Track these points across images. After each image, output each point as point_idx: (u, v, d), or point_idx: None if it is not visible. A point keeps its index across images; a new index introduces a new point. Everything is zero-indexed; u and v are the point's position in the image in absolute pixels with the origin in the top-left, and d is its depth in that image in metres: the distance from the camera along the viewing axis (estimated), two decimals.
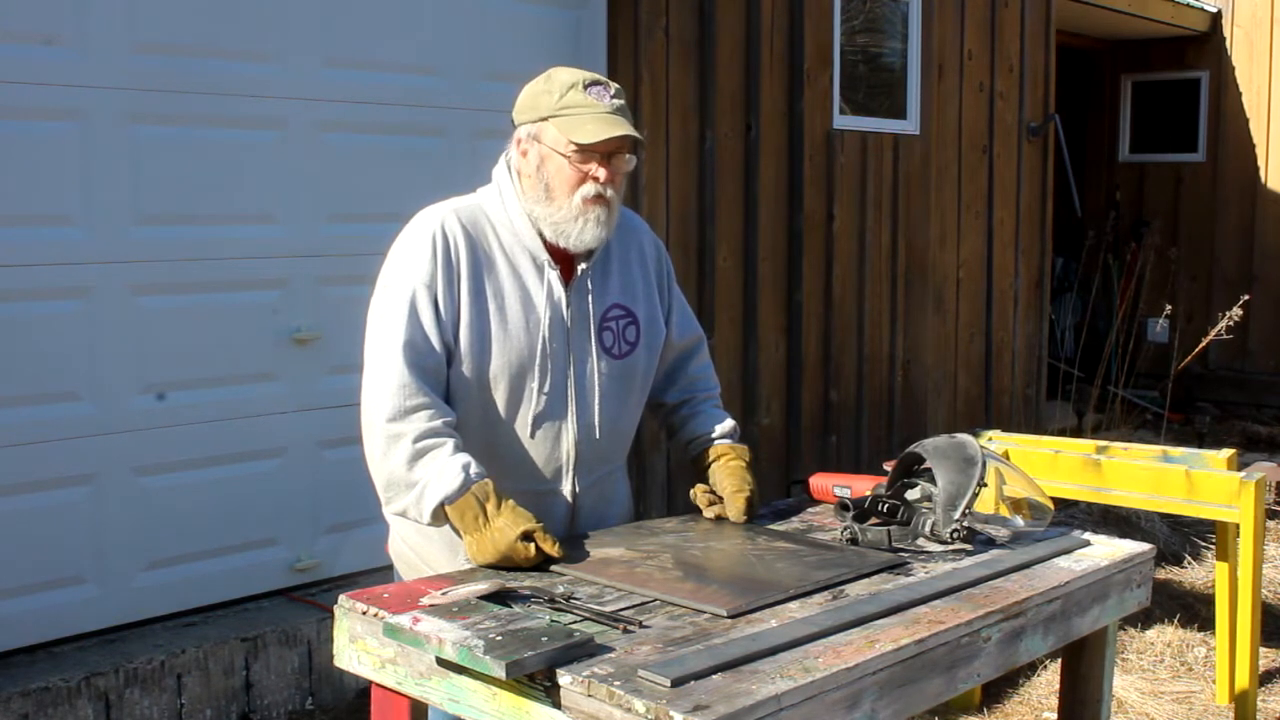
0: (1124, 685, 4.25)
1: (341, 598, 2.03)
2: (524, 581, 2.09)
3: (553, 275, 2.38)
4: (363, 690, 3.78)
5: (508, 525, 2.17)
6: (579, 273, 2.41)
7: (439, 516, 2.23)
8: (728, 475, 2.51)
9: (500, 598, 1.98)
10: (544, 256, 2.38)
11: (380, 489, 2.30)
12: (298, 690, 4.01)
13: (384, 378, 2.27)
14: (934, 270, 6.67)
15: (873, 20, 6.36)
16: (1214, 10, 9.71)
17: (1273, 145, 9.53)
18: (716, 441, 2.58)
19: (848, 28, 6.10)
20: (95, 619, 3.85)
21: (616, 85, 2.37)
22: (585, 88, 2.31)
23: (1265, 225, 9.59)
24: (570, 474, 2.41)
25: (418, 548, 2.42)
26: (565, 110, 2.30)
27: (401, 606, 1.95)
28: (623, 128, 2.29)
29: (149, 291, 3.90)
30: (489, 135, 4.69)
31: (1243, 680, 3.96)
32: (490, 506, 2.20)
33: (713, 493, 2.51)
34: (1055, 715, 2.70)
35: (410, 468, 2.23)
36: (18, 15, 3.61)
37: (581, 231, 2.34)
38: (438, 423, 2.25)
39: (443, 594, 1.97)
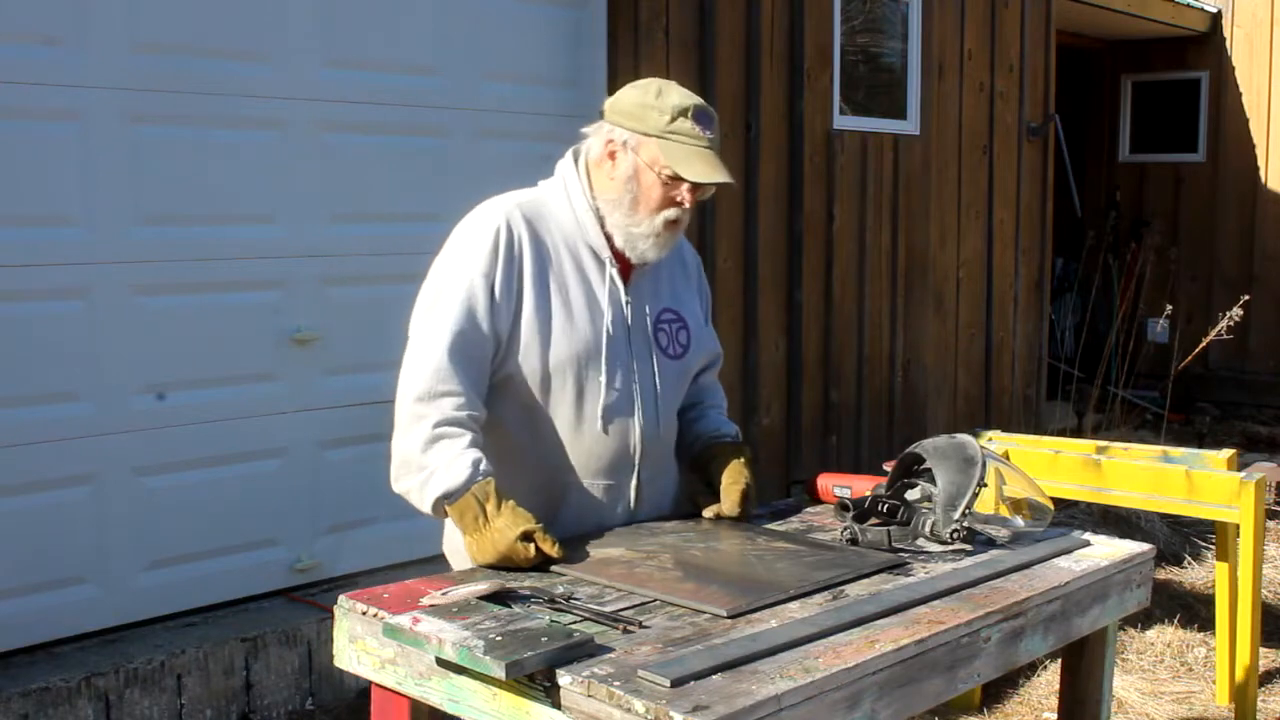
0: (1124, 685, 4.25)
1: (341, 598, 2.03)
2: (524, 581, 2.09)
3: (614, 273, 2.42)
4: (363, 690, 3.78)
5: (507, 526, 2.18)
6: (636, 273, 2.45)
7: (438, 510, 2.24)
8: (730, 472, 2.52)
9: (500, 598, 1.98)
10: (607, 254, 2.42)
11: (393, 465, 2.31)
12: (298, 690, 4.01)
13: (423, 359, 2.29)
14: (934, 270, 6.67)
15: (873, 20, 6.36)
16: (1214, 10, 9.71)
17: (1273, 145, 9.53)
18: (716, 441, 2.59)
19: (848, 28, 6.10)
20: (95, 619, 3.85)
21: (715, 115, 2.40)
22: (694, 117, 2.33)
23: (1265, 225, 9.59)
24: (636, 468, 2.43)
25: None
26: (673, 135, 2.32)
27: (401, 607, 1.95)
28: (724, 173, 2.34)
29: (149, 291, 3.90)
30: (489, 135, 4.69)
31: (1243, 680, 3.96)
32: (490, 507, 2.20)
33: (711, 492, 2.52)
34: (1055, 715, 2.70)
35: (424, 450, 2.24)
36: (18, 15, 3.61)
37: (650, 248, 2.39)
38: (462, 413, 2.26)
39: (443, 594, 1.97)
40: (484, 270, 2.32)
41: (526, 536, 2.17)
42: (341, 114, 4.30)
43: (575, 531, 2.35)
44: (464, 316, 2.30)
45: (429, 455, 2.24)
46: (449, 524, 2.47)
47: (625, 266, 2.45)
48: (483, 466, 2.23)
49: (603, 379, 2.37)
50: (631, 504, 2.46)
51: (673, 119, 2.32)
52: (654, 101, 2.35)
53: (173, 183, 3.93)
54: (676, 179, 2.33)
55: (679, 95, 2.36)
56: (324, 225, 4.30)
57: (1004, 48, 7.09)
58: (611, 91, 5.04)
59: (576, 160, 2.46)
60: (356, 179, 4.34)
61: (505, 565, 2.17)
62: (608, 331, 2.39)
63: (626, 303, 2.43)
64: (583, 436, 2.38)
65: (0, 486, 3.63)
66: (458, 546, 2.45)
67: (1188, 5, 9.51)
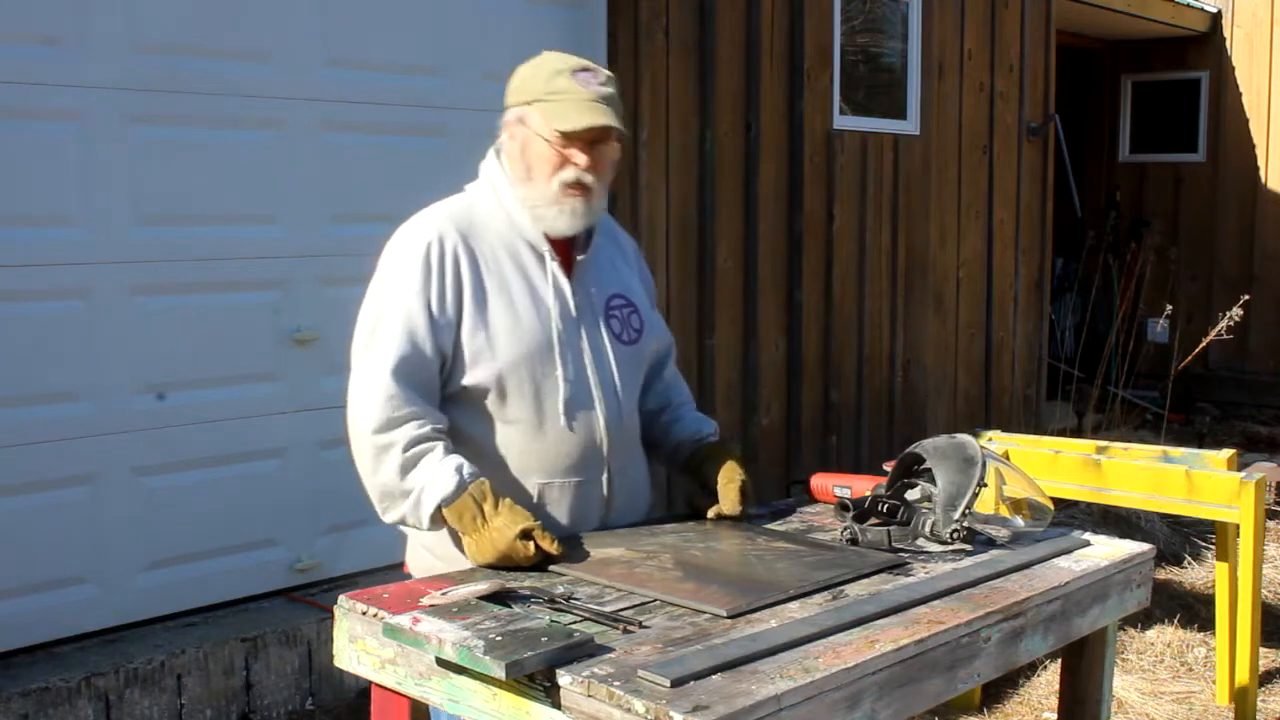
0: (1124, 685, 4.25)
1: (341, 598, 2.03)
2: (524, 581, 2.09)
3: (554, 265, 2.37)
4: (363, 690, 3.78)
5: (506, 524, 2.17)
6: (578, 263, 2.41)
7: (437, 520, 2.22)
8: (718, 470, 2.49)
9: (500, 598, 1.98)
10: (544, 247, 2.37)
11: (375, 500, 2.28)
12: (298, 690, 4.01)
13: (370, 390, 2.24)
14: (934, 270, 6.68)
15: (873, 20, 6.36)
16: (1214, 10, 9.71)
17: (1273, 145, 9.53)
18: (703, 443, 2.56)
19: (848, 28, 6.10)
20: (95, 619, 3.85)
21: (607, 73, 2.36)
22: (574, 73, 2.31)
23: (1265, 225, 9.59)
24: (606, 461, 2.38)
25: (441, 552, 2.36)
26: (552, 95, 2.29)
27: (401, 607, 1.95)
28: (605, 117, 2.28)
29: (149, 291, 3.90)
30: (489, 135, 4.67)
31: (1243, 680, 3.96)
32: (488, 506, 2.19)
33: (708, 494, 2.49)
34: (1055, 715, 2.70)
35: (403, 477, 2.21)
36: (18, 15, 3.61)
37: (557, 218, 2.34)
38: (426, 429, 2.23)
39: (443, 594, 1.97)
40: (418, 289, 2.28)
41: (526, 534, 2.15)
42: (341, 114, 4.30)
43: (554, 534, 2.32)
44: (405, 340, 2.25)
45: (411, 478, 2.21)
46: (411, 546, 2.45)
47: (567, 257, 2.40)
48: (467, 469, 2.21)
49: (559, 374, 2.32)
50: (606, 498, 2.40)
51: (550, 80, 2.30)
52: (532, 71, 2.34)
53: (173, 183, 3.93)
54: (565, 140, 2.28)
55: (558, 58, 2.35)
56: (324, 225, 4.30)
57: (1004, 48, 7.09)
58: None
59: (499, 156, 2.43)
60: (357, 179, 4.34)
61: (505, 565, 2.16)
62: (556, 326, 2.34)
63: (572, 294, 2.38)
64: (546, 436, 2.33)
65: (0, 486, 3.63)
66: (428, 564, 2.40)
67: (1188, 5, 9.51)
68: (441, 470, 2.20)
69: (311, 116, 4.23)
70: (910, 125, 6.50)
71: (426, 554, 2.40)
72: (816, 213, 5.88)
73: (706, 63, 5.32)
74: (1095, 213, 9.87)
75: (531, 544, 2.16)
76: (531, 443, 2.33)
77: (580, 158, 2.31)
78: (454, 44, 4.60)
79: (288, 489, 4.25)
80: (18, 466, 3.66)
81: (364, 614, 1.98)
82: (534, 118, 2.31)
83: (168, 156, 3.91)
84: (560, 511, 2.36)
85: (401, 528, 2.40)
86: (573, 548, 2.23)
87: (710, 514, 2.47)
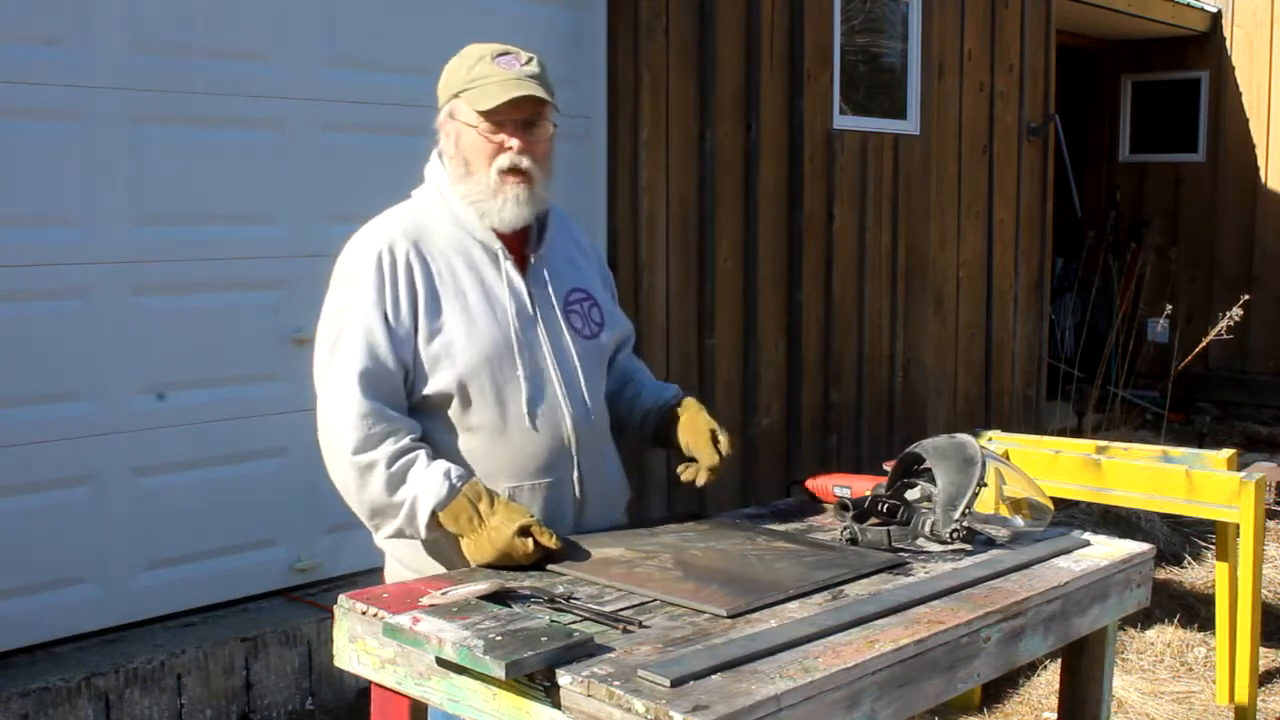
0: (1124, 685, 4.25)
1: (341, 598, 2.03)
2: (524, 581, 2.09)
3: (508, 264, 2.34)
4: (363, 690, 3.78)
5: (504, 522, 2.16)
6: (533, 260, 2.38)
7: (433, 527, 2.20)
8: (687, 427, 2.42)
9: (500, 598, 1.98)
10: (496, 245, 2.34)
11: (365, 518, 2.26)
12: (298, 690, 4.01)
13: (342, 410, 2.21)
14: (934, 270, 6.67)
15: (873, 20, 6.36)
16: (1214, 10, 9.71)
17: (1273, 145, 9.53)
18: (665, 407, 2.50)
19: (848, 28, 6.09)
20: (95, 619, 3.85)
21: (531, 54, 2.32)
22: (494, 58, 2.29)
23: (1265, 225, 9.59)
24: (575, 460, 2.35)
25: (414, 564, 2.36)
26: (474, 82, 2.28)
27: (401, 606, 1.95)
28: (525, 89, 2.25)
29: (149, 291, 3.90)
30: None
31: (1243, 680, 3.96)
32: (483, 506, 2.18)
33: (689, 461, 2.42)
34: (1055, 715, 2.70)
35: (392, 492, 2.19)
36: (18, 15, 3.61)
37: (502, 208, 2.31)
38: (405, 440, 2.21)
39: (443, 594, 1.97)
40: (374, 301, 2.24)
41: (524, 531, 2.14)
42: (341, 114, 4.30)
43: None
44: (366, 355, 2.22)
45: (401, 491, 2.19)
46: (388, 561, 2.42)
47: (520, 255, 2.37)
48: (456, 472, 2.20)
49: (520, 374, 2.29)
50: (578, 498, 2.36)
51: (471, 68, 2.28)
52: (457, 63, 2.33)
53: (173, 183, 3.93)
54: (493, 123, 2.26)
55: (479, 48, 2.33)
56: (324, 225, 4.29)
57: (1004, 48, 7.09)
58: (611, 91, 5.06)
59: (440, 159, 2.40)
60: (357, 179, 4.34)
61: (504, 563, 2.15)
62: (514, 325, 2.31)
63: (528, 291, 2.35)
64: (511, 438, 2.30)
65: (0, 486, 3.63)
66: (400, 578, 2.38)
67: (1188, 5, 9.51)
68: (430, 477, 2.18)
69: (311, 116, 4.23)
70: (910, 125, 6.50)
71: (400, 566, 2.39)
72: (816, 213, 5.88)
73: (706, 63, 5.32)
74: (1095, 213, 9.87)
75: (530, 540, 2.14)
76: (497, 446, 2.30)
77: (513, 141, 2.28)
78: (454, 44, 4.54)
79: (288, 489, 4.25)
80: (18, 466, 3.66)
81: (364, 614, 1.98)
82: (461, 108, 2.30)
83: (167, 156, 3.91)
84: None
85: (381, 544, 2.39)
86: (572, 548, 2.23)
87: (686, 475, 2.39)
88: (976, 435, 3.80)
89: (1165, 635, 4.72)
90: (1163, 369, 8.04)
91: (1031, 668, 4.29)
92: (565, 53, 4.92)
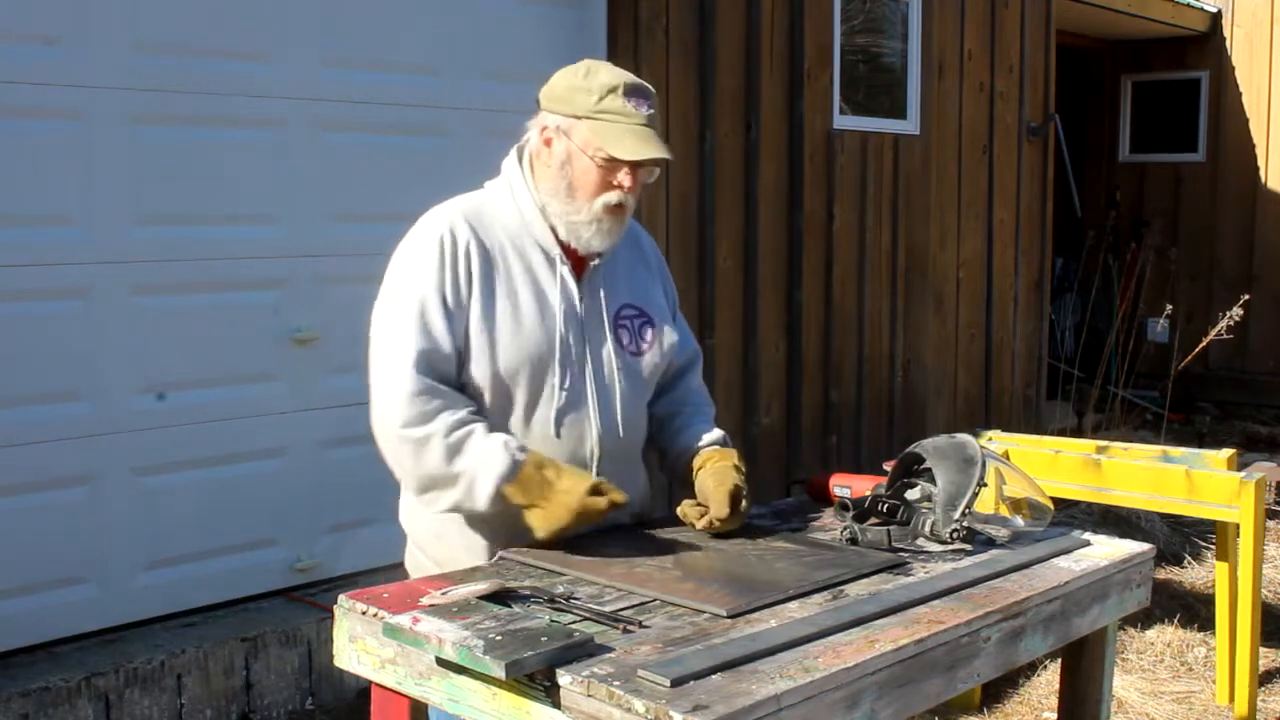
0: (1124, 685, 4.25)
1: (341, 598, 2.03)
2: (524, 581, 2.09)
3: (565, 270, 2.34)
4: (363, 690, 3.78)
5: (575, 484, 2.17)
6: (591, 269, 2.38)
7: (495, 500, 2.19)
8: (711, 476, 2.38)
9: (500, 598, 1.98)
10: (556, 251, 2.34)
11: (417, 492, 2.26)
12: (298, 690, 4.01)
13: (396, 388, 2.21)
14: (934, 270, 6.68)
15: (873, 20, 6.36)
16: (1214, 10, 9.71)
17: (1273, 145, 9.53)
18: (699, 450, 2.46)
19: (848, 28, 6.10)
20: (95, 619, 3.85)
21: (652, 90, 2.31)
22: (626, 94, 2.25)
23: (1265, 225, 9.59)
24: (593, 471, 2.34)
25: (438, 557, 2.37)
26: (603, 115, 2.24)
27: (401, 606, 1.95)
28: (658, 149, 2.26)
29: (149, 291, 3.90)
30: (489, 135, 4.68)
31: (1243, 680, 3.96)
32: (550, 473, 2.19)
33: (701, 504, 2.37)
34: (1055, 715, 2.70)
35: (449, 463, 2.19)
36: (18, 15, 3.61)
37: (594, 236, 2.31)
38: (462, 412, 2.22)
39: (443, 594, 1.97)
40: (435, 284, 2.25)
41: (594, 490, 2.16)
42: (341, 114, 4.30)
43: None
44: (423, 335, 2.23)
45: (458, 462, 2.19)
46: (410, 544, 2.43)
47: (578, 262, 2.37)
48: (514, 443, 2.20)
49: (554, 382, 2.30)
50: None
51: (601, 98, 2.25)
52: (582, 82, 2.28)
53: (173, 183, 3.93)
54: (611, 161, 2.25)
55: (608, 73, 2.29)
56: (324, 225, 4.30)
57: (1004, 48, 7.09)
58: None
59: (521, 156, 2.39)
60: (357, 179, 4.34)
61: (577, 525, 2.16)
62: (560, 331, 2.31)
63: (580, 300, 2.35)
64: (532, 441, 2.29)
65: (0, 486, 3.63)
66: (420, 564, 2.41)
67: (1188, 5, 9.51)
68: (490, 448, 2.18)
69: (311, 116, 4.23)
70: (910, 125, 6.50)
71: (420, 555, 2.40)
72: (816, 213, 5.88)
73: (706, 63, 5.32)
74: (1095, 213, 9.87)
75: (603, 499, 2.17)
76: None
77: (626, 181, 2.28)
78: (454, 44, 4.60)
79: (288, 489, 4.25)
80: (18, 466, 3.66)
81: (364, 614, 1.98)
82: (581, 133, 2.26)
83: (167, 156, 3.91)
84: None
85: (406, 525, 2.41)
86: (573, 548, 2.23)
87: (700, 525, 2.34)
88: (976, 435, 3.80)
89: (1165, 635, 4.72)
90: (1163, 369, 8.04)
91: (1031, 668, 4.29)
92: (565, 52, 4.92)
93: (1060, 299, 9.19)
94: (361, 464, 4.35)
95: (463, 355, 2.28)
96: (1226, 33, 9.71)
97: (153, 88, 3.87)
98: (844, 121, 6.04)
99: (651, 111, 2.28)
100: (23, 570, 3.69)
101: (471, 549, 2.32)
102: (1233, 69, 9.68)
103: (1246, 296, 6.71)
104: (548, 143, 2.31)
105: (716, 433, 2.52)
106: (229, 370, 4.09)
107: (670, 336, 2.50)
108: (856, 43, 6.22)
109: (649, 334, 2.45)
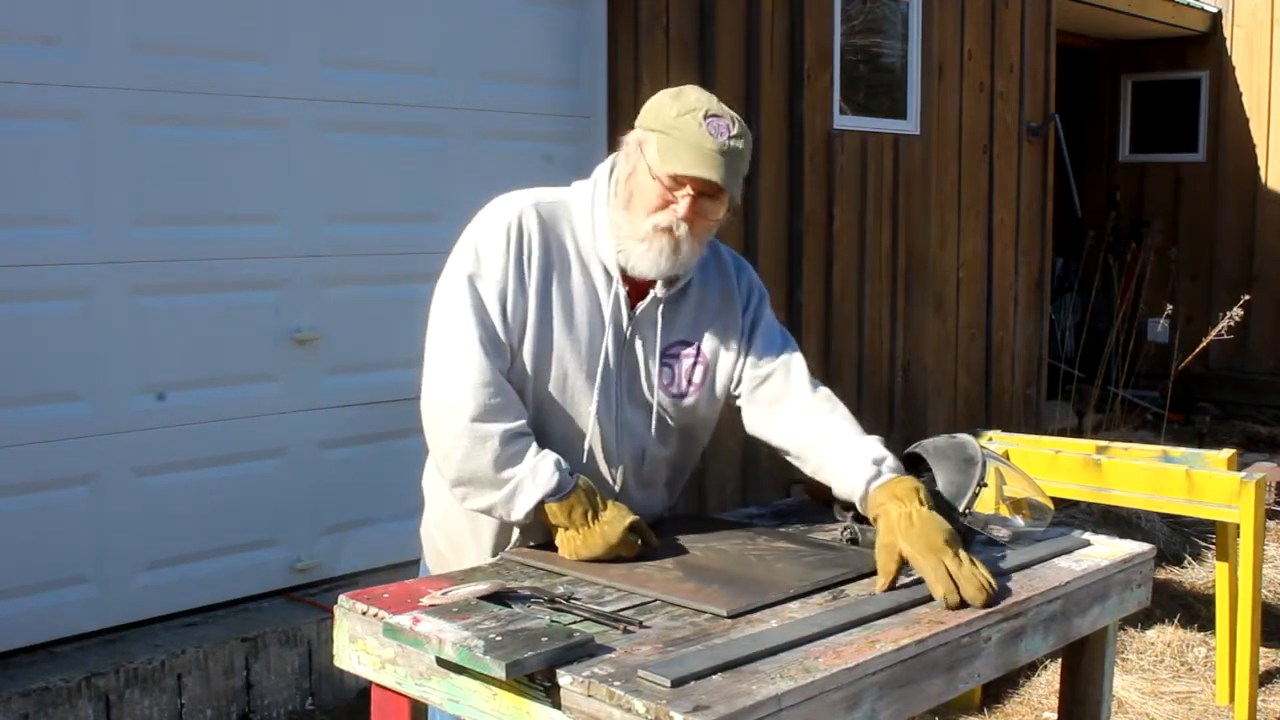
0: (1124, 685, 4.25)
1: (341, 598, 2.03)
2: (524, 581, 2.09)
3: (621, 291, 2.28)
4: (363, 690, 3.78)
5: (617, 519, 2.17)
6: (650, 297, 2.31)
7: (532, 514, 2.19)
8: (917, 537, 2.06)
9: (500, 598, 1.98)
10: (615, 271, 2.27)
11: (453, 483, 2.23)
12: (298, 690, 4.01)
13: (463, 372, 2.19)
14: (934, 270, 6.67)
15: (873, 20, 6.36)
16: (1214, 10, 9.72)
17: (1273, 145, 9.54)
18: (870, 491, 2.22)
19: (848, 28, 6.09)
20: (95, 619, 3.85)
21: (742, 125, 2.20)
22: (705, 117, 2.18)
23: (1265, 225, 9.59)
24: (616, 485, 2.34)
25: (452, 535, 2.39)
26: (674, 130, 2.18)
27: (401, 607, 1.95)
28: (716, 172, 2.16)
29: (149, 291, 3.90)
30: (489, 135, 4.70)
31: (1243, 680, 3.96)
32: (598, 501, 2.19)
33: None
34: (1055, 715, 2.70)
35: (499, 469, 2.18)
36: (18, 15, 3.61)
37: (640, 256, 2.23)
38: (521, 422, 2.20)
39: (443, 594, 1.97)
40: (497, 277, 2.22)
41: (633, 528, 2.17)
42: (341, 114, 4.30)
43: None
44: (483, 322, 2.21)
45: (507, 470, 2.17)
46: (427, 515, 2.46)
47: (639, 288, 2.29)
48: (564, 464, 2.20)
49: (592, 408, 2.28)
50: None
51: (680, 115, 2.18)
52: (670, 100, 2.22)
53: (173, 183, 3.93)
54: (672, 179, 2.18)
55: (697, 97, 2.22)
56: (324, 225, 4.30)
57: (1004, 48, 7.09)
58: (611, 91, 5.06)
59: (613, 168, 2.32)
60: (357, 179, 4.34)
61: (607, 558, 2.16)
62: (607, 351, 2.28)
63: (627, 323, 2.30)
64: (554, 448, 2.25)
65: (0, 486, 3.63)
66: (431, 536, 2.46)
67: (1188, 5, 9.51)
68: (541, 466, 2.18)
69: (311, 116, 4.23)
70: (910, 125, 6.50)
71: (437, 531, 2.44)
72: (816, 213, 5.88)
73: (706, 63, 5.32)
74: (1095, 213, 9.87)
75: (638, 539, 2.18)
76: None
77: (683, 205, 2.20)
78: (454, 44, 4.60)
79: (288, 489, 4.25)
80: (18, 466, 3.66)
81: (364, 614, 1.98)
82: (650, 147, 2.20)
83: (167, 156, 3.91)
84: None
85: (432, 499, 2.44)
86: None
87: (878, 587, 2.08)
88: (976, 435, 3.80)
89: (1165, 635, 4.72)
90: (1163, 369, 8.04)
91: (1031, 668, 4.29)
92: (565, 52, 4.93)
93: (1060, 299, 9.19)
94: (361, 464, 4.38)
95: (514, 351, 2.25)
96: (1226, 33, 9.71)
97: (153, 88, 3.87)
98: (844, 121, 6.04)
99: (729, 143, 2.17)
100: (23, 570, 3.69)
101: (478, 540, 2.35)
102: (1233, 69, 9.68)
103: (1246, 297, 6.70)
104: (627, 157, 2.27)
105: (865, 470, 2.25)
106: (229, 370, 4.09)
107: (725, 381, 2.40)
108: (856, 43, 6.22)
109: (699, 374, 2.38)
